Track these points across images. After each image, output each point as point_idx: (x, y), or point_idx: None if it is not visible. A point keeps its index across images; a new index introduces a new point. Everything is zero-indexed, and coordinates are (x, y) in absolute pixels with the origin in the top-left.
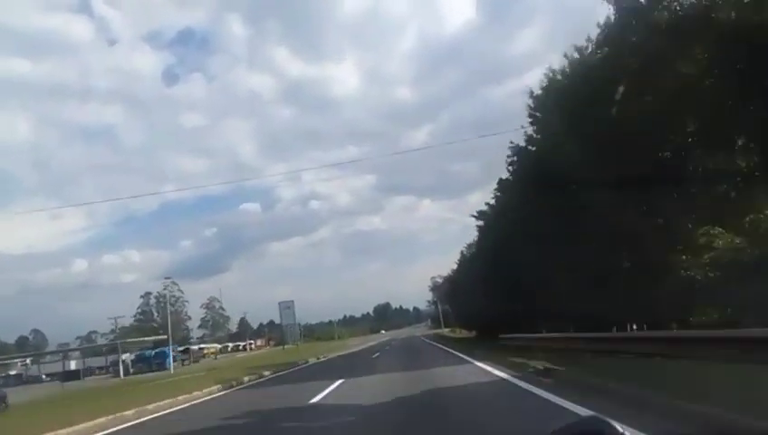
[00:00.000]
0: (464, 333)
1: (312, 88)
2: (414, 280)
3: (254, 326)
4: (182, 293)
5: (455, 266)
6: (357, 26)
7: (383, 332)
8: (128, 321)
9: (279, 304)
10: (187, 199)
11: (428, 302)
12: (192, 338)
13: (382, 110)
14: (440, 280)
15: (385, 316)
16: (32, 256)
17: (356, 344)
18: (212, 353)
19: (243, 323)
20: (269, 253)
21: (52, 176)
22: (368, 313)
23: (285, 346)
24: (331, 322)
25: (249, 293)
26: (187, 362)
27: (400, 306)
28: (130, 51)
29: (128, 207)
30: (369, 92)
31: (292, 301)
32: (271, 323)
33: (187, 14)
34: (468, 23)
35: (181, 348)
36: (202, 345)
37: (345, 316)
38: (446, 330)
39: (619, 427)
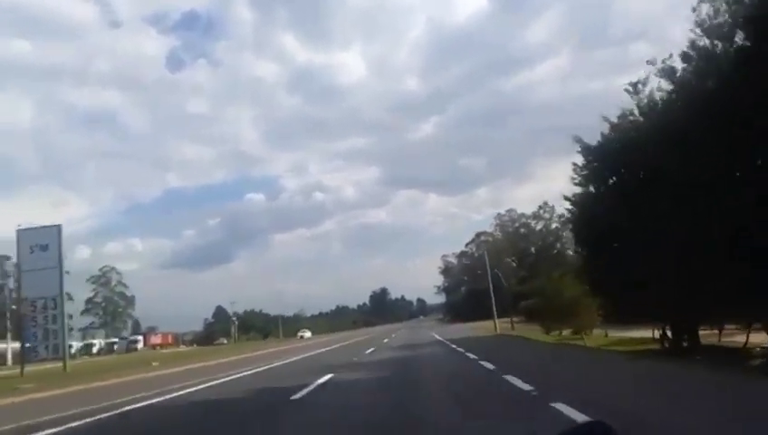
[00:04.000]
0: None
1: (319, 77)
2: (417, 273)
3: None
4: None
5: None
6: (365, 13)
7: (304, 334)
8: None
9: (17, 234)
10: (190, 189)
11: (437, 288)
12: (72, 330)
13: (390, 100)
14: (453, 260)
15: (382, 307)
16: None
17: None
18: None
19: (219, 311)
20: (272, 244)
21: (53, 161)
22: (364, 303)
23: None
24: (273, 315)
25: (245, 281)
26: None
27: (402, 296)
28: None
29: (132, 196)
30: (376, 82)
31: (58, 227)
32: (250, 312)
33: None
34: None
35: None
36: None
37: (338, 306)
38: (519, 326)
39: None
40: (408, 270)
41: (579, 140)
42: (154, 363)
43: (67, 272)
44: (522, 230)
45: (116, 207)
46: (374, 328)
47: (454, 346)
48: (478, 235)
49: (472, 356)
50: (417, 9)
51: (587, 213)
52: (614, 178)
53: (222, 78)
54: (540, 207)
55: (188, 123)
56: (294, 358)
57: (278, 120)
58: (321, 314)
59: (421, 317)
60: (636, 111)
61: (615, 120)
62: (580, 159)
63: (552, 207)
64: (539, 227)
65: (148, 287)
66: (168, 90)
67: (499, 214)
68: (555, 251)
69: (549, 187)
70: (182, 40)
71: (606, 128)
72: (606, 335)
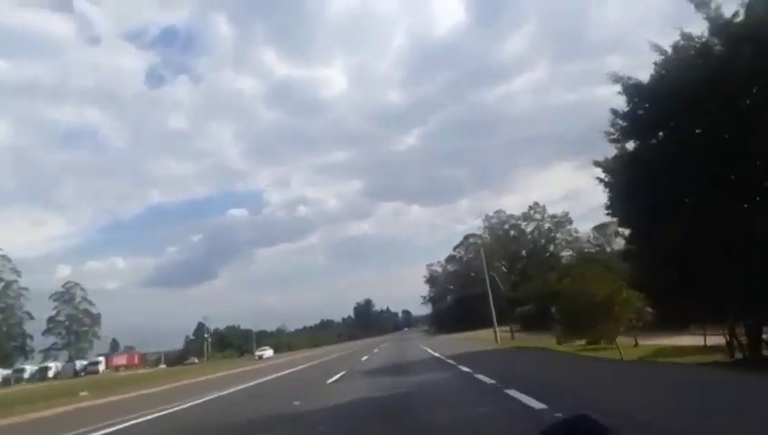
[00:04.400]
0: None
1: (301, 90)
2: (402, 284)
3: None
4: (18, 275)
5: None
6: (345, 27)
7: (263, 353)
8: None
9: None
10: (172, 205)
11: (423, 298)
12: (32, 352)
13: (372, 113)
14: (439, 269)
15: (367, 319)
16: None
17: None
18: None
19: (200, 328)
20: (256, 258)
21: (32, 179)
22: (349, 316)
23: None
24: (255, 331)
25: (230, 298)
26: None
27: (387, 308)
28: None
29: (113, 213)
30: (358, 95)
31: None
32: (230, 328)
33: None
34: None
35: None
36: None
37: (322, 320)
38: (518, 335)
39: (606, 425)
40: (393, 282)
41: (619, 79)
42: (82, 393)
43: (26, 288)
44: (512, 232)
45: (96, 224)
46: (357, 342)
47: (466, 369)
48: (467, 237)
49: (527, 400)
50: (397, 22)
51: (635, 177)
52: (672, 125)
53: (203, 93)
54: (530, 208)
55: (170, 139)
56: (219, 393)
57: (260, 135)
58: (305, 327)
59: (406, 329)
60: (702, 34)
61: (669, 49)
62: (621, 104)
63: (544, 207)
64: (530, 228)
65: (128, 306)
66: (148, 105)
67: (487, 216)
68: (548, 254)
69: (530, 196)
70: (162, 56)
71: (657, 59)
72: (636, 344)
